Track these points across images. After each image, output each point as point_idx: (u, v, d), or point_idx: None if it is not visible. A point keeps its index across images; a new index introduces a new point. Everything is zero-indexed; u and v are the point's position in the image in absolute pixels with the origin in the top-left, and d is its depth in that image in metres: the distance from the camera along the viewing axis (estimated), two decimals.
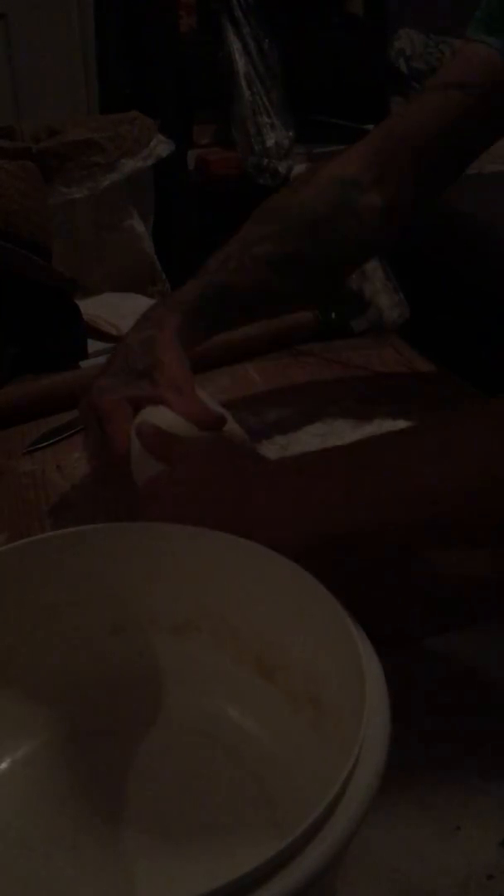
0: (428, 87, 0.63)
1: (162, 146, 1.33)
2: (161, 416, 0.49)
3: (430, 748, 0.38)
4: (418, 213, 0.63)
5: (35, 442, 0.67)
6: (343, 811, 0.25)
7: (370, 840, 0.33)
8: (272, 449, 0.63)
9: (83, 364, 0.82)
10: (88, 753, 0.38)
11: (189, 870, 0.32)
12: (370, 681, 0.29)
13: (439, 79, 0.62)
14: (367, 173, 0.61)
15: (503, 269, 0.67)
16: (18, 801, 0.36)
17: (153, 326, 0.55)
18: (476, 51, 0.59)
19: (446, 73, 0.62)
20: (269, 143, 1.92)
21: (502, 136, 0.62)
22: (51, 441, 0.67)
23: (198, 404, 0.50)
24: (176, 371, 0.51)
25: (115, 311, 0.93)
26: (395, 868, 0.33)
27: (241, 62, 1.89)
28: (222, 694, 0.38)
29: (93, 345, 0.86)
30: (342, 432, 0.64)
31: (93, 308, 0.90)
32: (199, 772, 0.37)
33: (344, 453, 0.39)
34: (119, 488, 0.48)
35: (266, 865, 0.23)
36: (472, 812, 0.35)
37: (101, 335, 0.88)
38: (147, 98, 1.83)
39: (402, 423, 0.66)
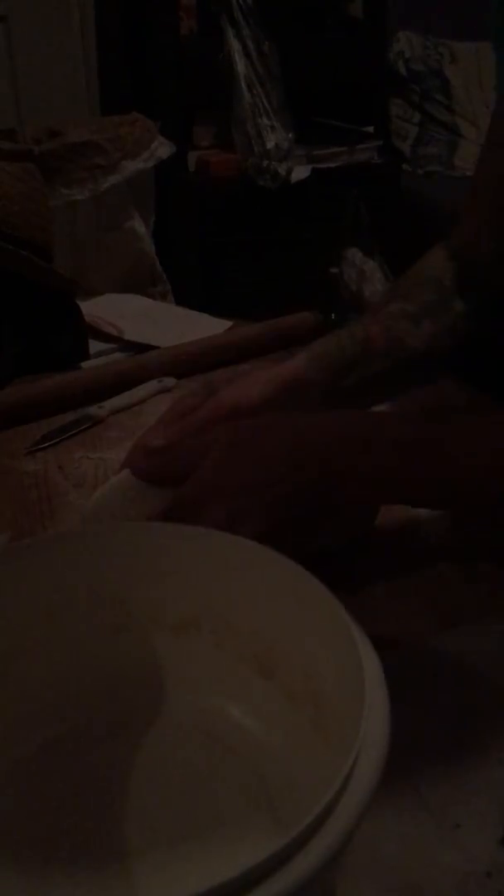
0: (487, 146, 0.65)
1: (162, 148, 1.34)
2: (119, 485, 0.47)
3: (429, 746, 0.38)
4: None
5: (37, 442, 0.67)
6: (343, 809, 0.25)
7: (369, 838, 0.33)
8: None
9: (84, 365, 0.82)
10: (88, 753, 0.38)
11: (190, 868, 0.33)
12: (369, 680, 0.29)
13: (495, 135, 0.64)
14: (459, 242, 0.63)
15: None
16: (18, 801, 0.36)
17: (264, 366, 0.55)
18: None
19: (499, 128, 0.63)
20: (269, 144, 1.92)
21: None
22: (53, 441, 0.67)
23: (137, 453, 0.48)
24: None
25: (116, 311, 0.93)
26: (394, 865, 0.33)
27: (241, 64, 1.90)
28: (223, 693, 0.39)
29: (94, 345, 0.86)
30: None
31: (94, 309, 0.91)
32: (200, 770, 0.37)
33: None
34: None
35: (266, 863, 0.23)
36: (471, 810, 0.35)
37: (102, 336, 0.88)
38: (148, 100, 1.84)
39: None
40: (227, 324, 0.89)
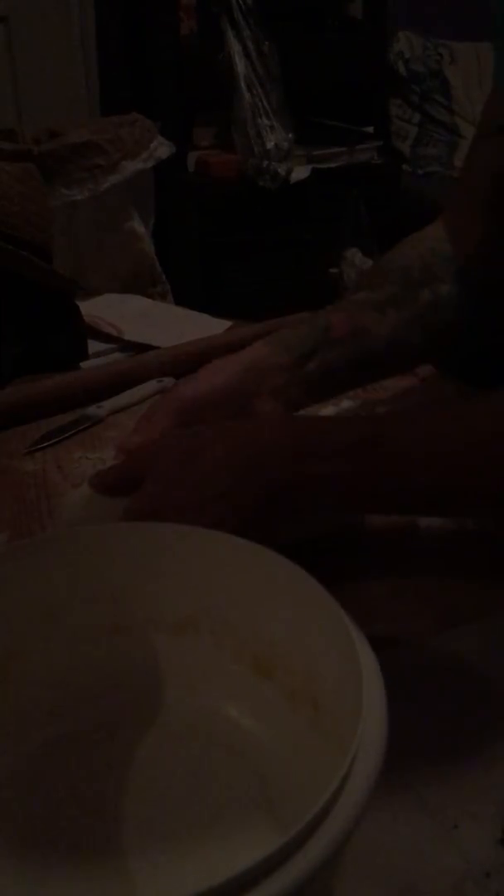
0: (478, 135, 0.65)
1: (162, 148, 1.34)
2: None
3: (428, 746, 0.38)
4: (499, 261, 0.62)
5: (36, 442, 0.67)
6: (341, 809, 0.25)
7: (368, 838, 0.33)
8: None
9: (84, 365, 0.82)
10: (88, 753, 0.38)
11: (189, 868, 0.33)
12: (368, 680, 0.29)
13: (484, 126, 0.64)
14: (443, 229, 0.63)
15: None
16: (18, 801, 0.36)
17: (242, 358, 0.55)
18: None
19: (490, 117, 0.63)
20: (269, 145, 1.92)
21: None
22: (52, 441, 0.67)
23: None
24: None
25: (115, 312, 0.93)
26: (392, 866, 0.33)
27: (241, 65, 1.90)
28: (221, 693, 0.39)
29: (93, 345, 0.86)
30: None
31: (93, 309, 0.91)
32: (199, 771, 0.37)
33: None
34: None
35: (264, 863, 0.23)
36: (470, 810, 0.35)
37: (102, 336, 0.88)
38: (148, 100, 1.84)
39: None
40: (226, 324, 0.89)
